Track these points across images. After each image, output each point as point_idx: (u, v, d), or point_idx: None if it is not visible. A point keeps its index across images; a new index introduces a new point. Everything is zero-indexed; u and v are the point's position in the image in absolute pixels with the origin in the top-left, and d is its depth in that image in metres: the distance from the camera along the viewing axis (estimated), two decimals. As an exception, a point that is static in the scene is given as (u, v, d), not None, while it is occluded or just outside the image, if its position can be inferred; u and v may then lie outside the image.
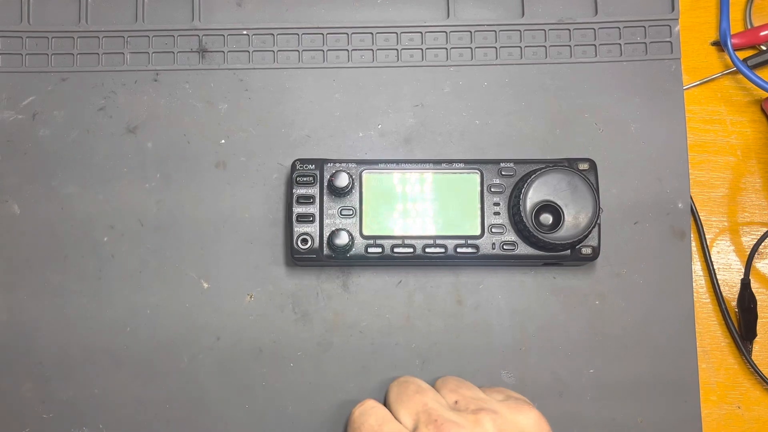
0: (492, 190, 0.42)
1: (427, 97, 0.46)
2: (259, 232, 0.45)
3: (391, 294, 0.45)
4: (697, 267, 0.46)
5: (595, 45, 0.47)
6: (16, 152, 0.46)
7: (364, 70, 0.47)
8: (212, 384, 0.44)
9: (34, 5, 0.47)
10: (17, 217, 0.45)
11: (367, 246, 0.42)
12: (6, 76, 0.47)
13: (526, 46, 0.47)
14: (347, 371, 0.44)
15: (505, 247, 0.42)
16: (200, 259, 0.45)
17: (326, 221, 0.42)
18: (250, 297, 0.45)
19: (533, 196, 0.41)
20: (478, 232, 0.42)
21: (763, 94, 0.47)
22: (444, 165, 0.43)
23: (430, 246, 0.42)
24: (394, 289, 0.45)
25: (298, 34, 0.47)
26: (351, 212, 0.42)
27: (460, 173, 0.42)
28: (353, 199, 0.42)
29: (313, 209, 0.42)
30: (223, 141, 0.46)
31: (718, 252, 0.46)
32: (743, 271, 0.46)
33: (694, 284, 0.45)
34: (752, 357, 0.45)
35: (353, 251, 0.42)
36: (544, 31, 0.47)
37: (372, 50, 0.47)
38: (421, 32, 0.47)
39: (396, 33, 0.47)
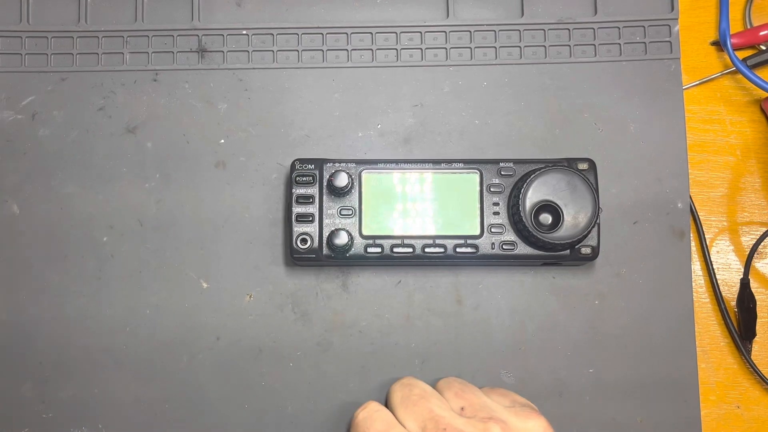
0: (491, 189, 0.42)
1: (427, 97, 0.46)
2: (258, 232, 0.45)
3: (390, 294, 0.45)
4: (697, 267, 0.46)
5: (594, 45, 0.47)
6: (16, 152, 0.46)
7: (363, 70, 0.47)
8: (212, 384, 0.44)
9: (34, 5, 0.47)
10: (17, 217, 0.45)
11: (367, 246, 0.42)
12: (5, 76, 0.47)
13: (525, 46, 0.47)
14: (347, 371, 0.44)
15: (504, 246, 0.42)
16: (200, 259, 0.45)
17: (326, 221, 0.42)
18: (250, 297, 0.45)
19: (533, 195, 0.41)
20: (477, 232, 0.42)
21: (763, 94, 0.47)
22: (443, 165, 0.43)
23: (429, 246, 0.42)
24: (393, 289, 0.45)
25: (297, 34, 0.47)
26: (350, 212, 0.42)
27: (460, 173, 0.43)
28: (353, 199, 0.42)
29: (313, 209, 0.42)
30: (222, 141, 0.46)
31: (718, 252, 0.46)
32: (743, 270, 0.46)
33: (693, 284, 0.45)
34: (752, 357, 0.45)
35: (353, 251, 0.42)
36: (544, 30, 0.47)
37: (371, 50, 0.47)
38: (420, 32, 0.47)
39: (395, 33, 0.47)
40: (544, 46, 0.47)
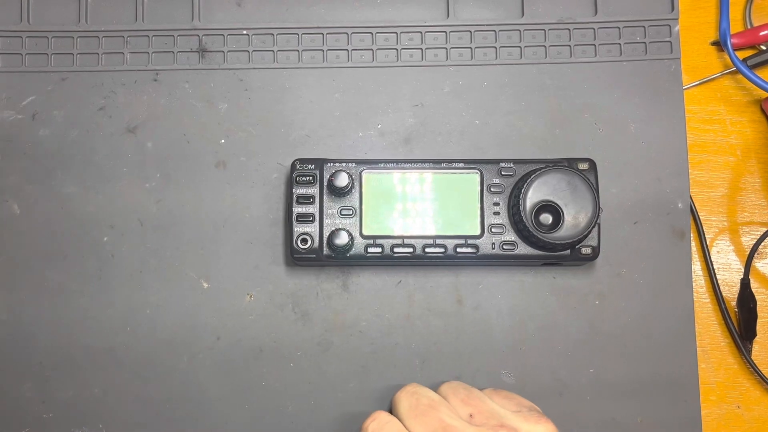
0: (492, 189, 0.42)
1: (427, 97, 0.46)
2: (258, 232, 0.45)
3: (390, 294, 0.45)
4: (697, 267, 0.46)
5: (594, 45, 0.47)
6: (16, 152, 0.46)
7: (363, 70, 0.47)
8: (212, 384, 0.44)
9: (34, 5, 0.47)
10: (17, 217, 0.45)
11: (367, 246, 0.42)
12: (6, 75, 0.47)
13: (525, 46, 0.47)
14: (347, 371, 0.44)
15: (504, 246, 0.42)
16: (200, 259, 0.45)
17: (326, 221, 0.42)
18: (250, 297, 0.45)
19: (533, 196, 0.41)
20: (477, 232, 0.42)
21: (763, 94, 0.47)
22: (444, 165, 0.43)
23: (429, 246, 0.42)
24: (393, 289, 0.45)
25: (297, 34, 0.47)
26: (351, 212, 0.42)
27: (460, 173, 0.43)
28: (353, 199, 0.42)
29: (313, 209, 0.42)
30: (222, 141, 0.46)
31: (718, 252, 0.46)
32: (743, 270, 0.46)
33: (693, 284, 0.45)
34: (752, 357, 0.45)
35: (353, 251, 0.42)
36: (544, 30, 0.47)
37: (372, 50, 0.47)
38: (420, 32, 0.47)
39: (396, 33, 0.47)
40: (545, 46, 0.47)
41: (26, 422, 0.44)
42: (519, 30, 0.47)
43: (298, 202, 0.42)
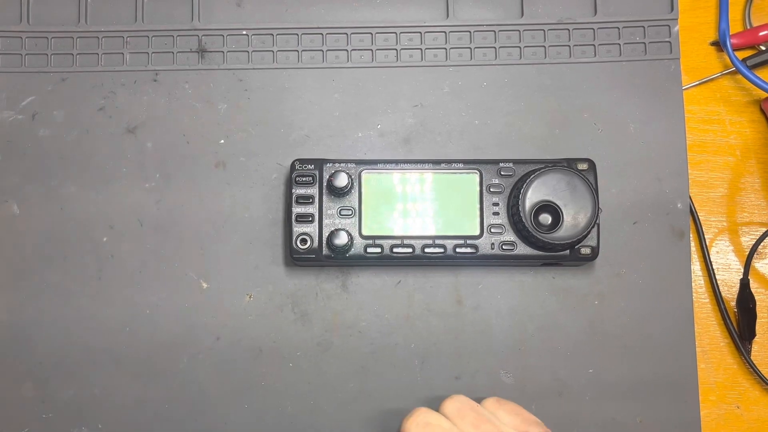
0: (491, 190, 0.42)
1: (427, 97, 0.46)
2: (258, 232, 0.45)
3: (390, 294, 0.45)
4: (696, 267, 0.46)
5: (594, 45, 0.47)
6: (16, 152, 0.46)
7: (363, 70, 0.47)
8: (212, 384, 0.44)
9: (34, 5, 0.47)
10: (17, 217, 0.45)
11: (367, 246, 0.42)
12: (6, 76, 0.47)
13: (525, 47, 0.47)
14: (347, 371, 0.44)
15: (504, 247, 0.42)
16: (200, 259, 0.45)
17: (325, 221, 0.42)
18: (250, 297, 0.45)
19: (532, 196, 0.41)
20: (477, 232, 0.42)
21: (762, 94, 0.47)
22: (443, 165, 0.43)
23: (429, 246, 0.42)
24: (393, 289, 0.45)
25: (297, 34, 0.47)
26: (350, 212, 0.42)
27: (460, 173, 0.43)
28: (352, 199, 0.42)
29: (313, 209, 0.42)
30: (222, 141, 0.46)
31: (717, 252, 0.46)
32: (742, 271, 0.46)
33: (693, 284, 0.45)
34: (751, 357, 0.45)
35: (352, 251, 0.42)
36: (544, 31, 0.47)
37: (371, 50, 0.47)
38: (420, 32, 0.47)
39: (395, 33, 0.47)
40: (544, 47, 0.47)
41: (26, 422, 0.44)
42: (518, 30, 0.47)
43: (297, 203, 0.42)
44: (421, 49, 0.47)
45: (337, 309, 0.45)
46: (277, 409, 0.44)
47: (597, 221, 0.41)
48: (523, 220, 0.40)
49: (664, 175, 0.45)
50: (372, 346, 0.44)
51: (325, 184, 0.42)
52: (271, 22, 0.47)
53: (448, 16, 0.47)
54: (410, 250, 0.42)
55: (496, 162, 0.43)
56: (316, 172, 0.42)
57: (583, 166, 0.42)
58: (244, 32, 0.47)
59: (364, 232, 0.42)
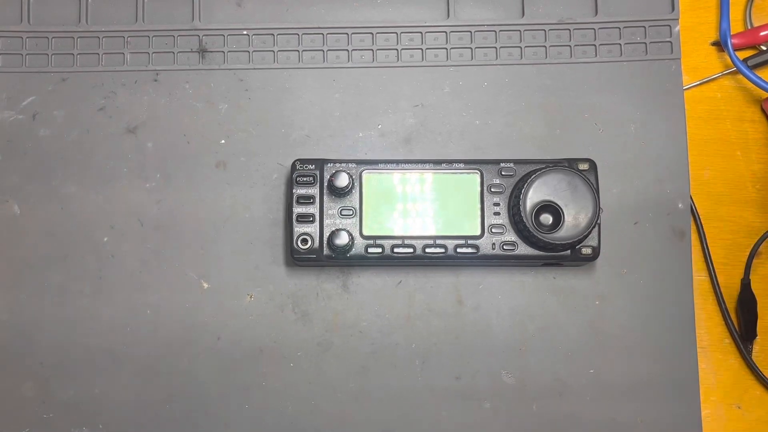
0: (492, 190, 0.42)
1: (427, 97, 0.46)
2: (259, 232, 0.45)
3: (391, 294, 0.45)
4: (697, 267, 0.46)
5: (595, 45, 0.47)
6: (17, 152, 0.46)
7: (364, 70, 0.47)
8: (212, 384, 0.44)
9: (34, 5, 0.47)
10: (17, 217, 0.45)
11: (367, 246, 0.42)
12: (6, 76, 0.47)
13: (526, 47, 0.47)
14: (347, 371, 0.44)
15: (505, 247, 0.42)
16: (200, 259, 0.45)
17: (326, 221, 0.42)
18: (250, 297, 0.45)
19: (533, 196, 0.41)
20: (478, 232, 0.42)
21: (763, 94, 0.47)
22: (444, 165, 0.43)
23: (430, 246, 0.42)
24: (394, 289, 0.45)
25: (298, 34, 0.47)
26: (351, 212, 0.42)
27: (460, 173, 0.42)
28: (353, 199, 0.42)
29: (313, 209, 0.42)
30: (223, 141, 0.46)
31: (718, 252, 0.46)
32: (743, 271, 0.46)
33: (694, 284, 0.45)
34: (752, 357, 0.45)
35: (353, 251, 0.42)
36: (544, 31, 0.47)
37: (372, 50, 0.47)
38: (421, 32, 0.47)
39: (396, 33, 0.47)
40: (545, 47, 0.47)
41: (26, 422, 0.44)
42: (519, 30, 0.47)
43: (298, 203, 0.42)
44: (421, 49, 0.47)
45: (337, 309, 0.45)
46: (278, 409, 0.44)
47: (598, 221, 0.41)
48: (524, 220, 0.40)
49: (664, 175, 0.45)
50: (372, 346, 0.44)
51: (325, 184, 0.42)
52: (272, 22, 0.47)
53: (448, 16, 0.47)
54: (411, 250, 0.42)
55: (496, 162, 0.42)
56: (317, 172, 0.42)
57: (584, 166, 0.42)
58: (245, 32, 0.47)
59: (365, 232, 0.42)
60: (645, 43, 0.46)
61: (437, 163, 0.43)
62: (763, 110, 0.47)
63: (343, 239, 0.41)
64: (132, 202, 0.45)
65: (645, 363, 0.44)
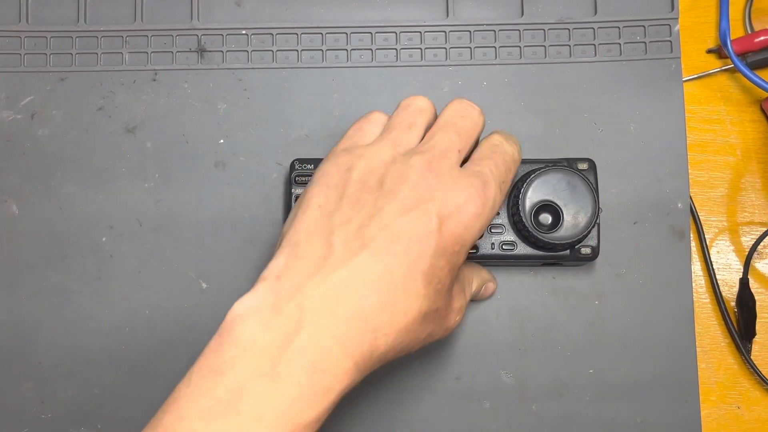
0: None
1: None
2: (258, 232, 0.45)
3: (390, 294, 0.45)
4: (697, 267, 0.46)
5: (594, 45, 0.47)
6: (15, 152, 0.46)
7: (363, 70, 0.47)
8: (212, 384, 0.44)
9: (33, 5, 0.47)
10: (16, 217, 0.45)
11: (367, 246, 0.42)
12: (4, 75, 0.47)
13: (525, 46, 0.47)
14: (347, 371, 0.44)
15: (504, 247, 0.42)
16: (199, 259, 0.45)
17: (325, 221, 0.42)
18: (250, 297, 0.45)
19: (532, 195, 0.40)
20: None
21: (763, 94, 0.47)
22: None
23: None
24: (393, 289, 0.45)
25: (297, 34, 0.47)
26: (350, 212, 0.42)
27: None
28: (352, 199, 0.42)
29: (313, 209, 0.42)
30: (222, 141, 0.46)
31: (718, 252, 0.46)
32: (742, 270, 0.46)
33: (693, 284, 0.45)
34: (752, 356, 0.45)
35: (353, 251, 0.42)
36: (544, 30, 0.47)
37: (371, 50, 0.47)
38: (420, 32, 0.47)
39: (395, 33, 0.47)
40: (544, 46, 0.47)
41: (25, 422, 0.44)
42: (518, 30, 0.47)
43: (297, 203, 0.42)
44: (420, 49, 0.47)
45: (337, 309, 0.44)
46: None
47: (597, 221, 0.41)
48: (524, 219, 0.40)
49: (664, 175, 0.45)
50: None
51: (325, 184, 0.42)
52: (271, 21, 0.47)
53: (448, 15, 0.47)
54: None
55: None
56: (316, 172, 0.42)
57: (583, 166, 0.42)
58: (244, 32, 0.47)
59: (364, 232, 0.42)
60: (645, 43, 0.46)
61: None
62: (762, 110, 0.47)
63: (342, 239, 0.41)
64: (131, 202, 0.45)
65: (645, 363, 0.44)
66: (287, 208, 0.45)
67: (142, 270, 0.45)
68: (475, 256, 0.42)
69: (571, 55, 0.47)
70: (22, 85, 0.46)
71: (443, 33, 0.47)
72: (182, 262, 0.45)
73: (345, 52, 0.47)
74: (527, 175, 0.41)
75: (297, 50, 0.47)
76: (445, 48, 0.47)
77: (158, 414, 0.29)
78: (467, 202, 0.31)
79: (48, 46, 0.47)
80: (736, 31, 0.48)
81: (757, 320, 0.45)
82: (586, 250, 0.41)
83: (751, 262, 0.45)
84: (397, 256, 0.30)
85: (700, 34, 0.48)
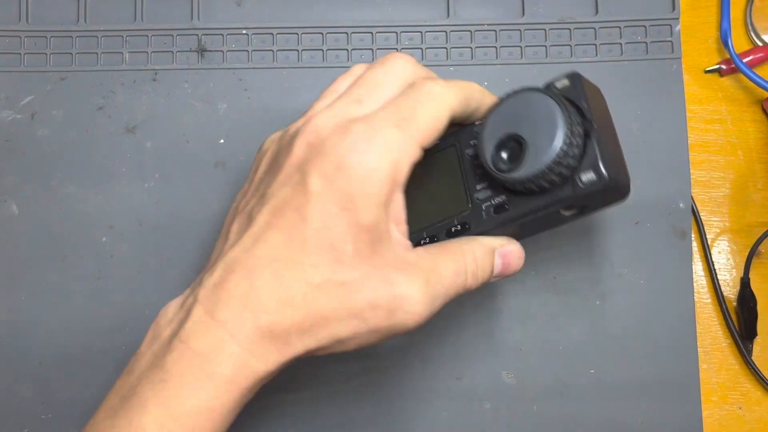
0: (469, 154, 0.35)
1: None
2: (258, 232, 0.45)
3: (391, 294, 0.45)
4: (698, 267, 0.46)
5: (595, 44, 0.46)
6: (15, 152, 0.46)
7: (363, 70, 0.46)
8: (212, 384, 0.44)
9: (33, 4, 0.47)
10: (16, 217, 0.45)
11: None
12: (4, 75, 0.46)
13: (526, 46, 0.47)
14: (347, 371, 0.44)
15: (495, 211, 0.33)
16: (200, 259, 0.45)
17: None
18: (250, 297, 0.45)
19: (491, 133, 0.32)
20: (466, 207, 0.34)
21: (764, 94, 0.47)
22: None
23: (423, 240, 0.36)
24: (394, 290, 0.45)
25: (297, 34, 0.47)
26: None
27: (437, 152, 0.36)
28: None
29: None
30: (222, 140, 0.46)
31: (719, 252, 0.46)
32: (743, 270, 0.45)
33: (694, 284, 0.45)
34: (753, 357, 0.45)
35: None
36: (545, 30, 0.47)
37: (372, 50, 0.47)
38: (421, 32, 0.47)
39: (396, 32, 0.47)
40: (545, 46, 0.47)
41: (25, 423, 0.44)
42: (519, 30, 0.47)
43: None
44: (421, 49, 0.47)
45: (337, 309, 0.44)
46: (277, 410, 0.44)
47: (580, 140, 0.31)
48: (484, 163, 0.32)
49: (665, 175, 0.45)
50: (372, 346, 0.44)
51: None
52: (271, 21, 0.47)
53: (448, 15, 0.47)
54: None
55: (471, 124, 0.35)
56: (317, 172, 0.42)
57: (562, 83, 0.32)
58: (244, 31, 0.47)
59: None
60: (645, 43, 0.46)
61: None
62: (764, 110, 0.47)
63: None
64: (131, 202, 0.45)
65: (646, 363, 0.44)
66: (287, 208, 0.45)
67: (142, 270, 0.45)
68: (469, 232, 0.35)
69: (572, 55, 0.46)
70: (22, 85, 0.46)
71: (444, 33, 0.47)
72: (182, 262, 0.45)
73: (345, 52, 0.47)
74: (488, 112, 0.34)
75: (297, 50, 0.47)
76: (445, 48, 0.47)
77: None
78: (348, 152, 0.28)
79: (48, 45, 0.47)
80: (737, 31, 0.48)
81: (759, 320, 0.45)
82: (587, 176, 0.31)
83: (753, 262, 0.45)
84: (277, 229, 0.28)
85: (702, 34, 0.48)
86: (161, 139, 0.46)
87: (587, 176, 0.31)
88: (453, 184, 0.35)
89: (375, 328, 0.30)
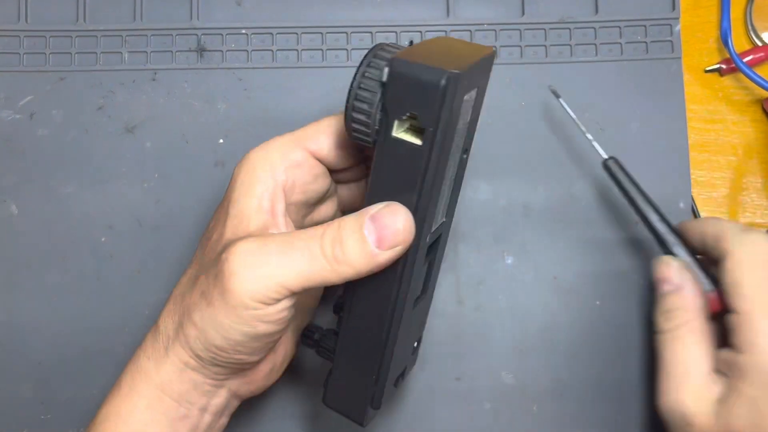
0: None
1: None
2: (258, 232, 0.45)
3: (390, 294, 0.44)
4: (698, 267, 0.46)
5: (595, 44, 0.46)
6: (14, 152, 0.46)
7: (363, 70, 0.46)
8: (211, 384, 0.44)
9: (32, 4, 0.47)
10: (15, 217, 0.45)
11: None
12: (4, 75, 0.46)
13: (526, 46, 0.47)
14: (347, 372, 0.44)
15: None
16: (199, 260, 0.45)
17: (325, 221, 0.42)
18: (250, 297, 0.44)
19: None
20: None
21: (764, 94, 0.47)
22: None
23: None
24: (393, 290, 0.45)
25: (297, 33, 0.47)
26: (350, 212, 0.42)
27: None
28: (353, 199, 0.42)
29: (313, 209, 0.42)
30: (221, 140, 0.46)
31: (719, 252, 0.46)
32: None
33: (694, 284, 0.45)
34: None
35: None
36: (545, 30, 0.47)
37: (371, 49, 0.47)
38: (420, 31, 0.47)
39: (396, 32, 0.47)
40: (545, 46, 0.47)
41: (25, 423, 0.44)
42: (519, 29, 0.47)
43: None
44: (421, 48, 0.47)
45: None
46: (278, 410, 0.44)
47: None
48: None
49: (665, 175, 0.45)
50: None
51: (324, 183, 0.42)
52: (271, 21, 0.47)
53: (448, 15, 0.47)
54: None
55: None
56: (316, 172, 0.42)
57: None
58: (244, 31, 0.47)
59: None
60: (645, 43, 0.46)
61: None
62: (764, 110, 0.47)
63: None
64: (130, 202, 0.45)
65: (646, 364, 0.44)
66: (287, 208, 0.44)
67: (141, 270, 0.45)
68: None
69: (571, 55, 0.46)
70: (22, 85, 0.46)
71: (444, 33, 0.47)
72: (182, 262, 0.45)
73: (345, 51, 0.47)
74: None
75: (297, 50, 0.47)
76: (445, 47, 0.47)
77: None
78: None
79: (47, 45, 0.47)
80: (737, 30, 0.48)
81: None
82: (385, 72, 0.31)
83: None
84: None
85: (702, 34, 0.48)
86: (161, 139, 0.46)
87: (384, 72, 0.31)
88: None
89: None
